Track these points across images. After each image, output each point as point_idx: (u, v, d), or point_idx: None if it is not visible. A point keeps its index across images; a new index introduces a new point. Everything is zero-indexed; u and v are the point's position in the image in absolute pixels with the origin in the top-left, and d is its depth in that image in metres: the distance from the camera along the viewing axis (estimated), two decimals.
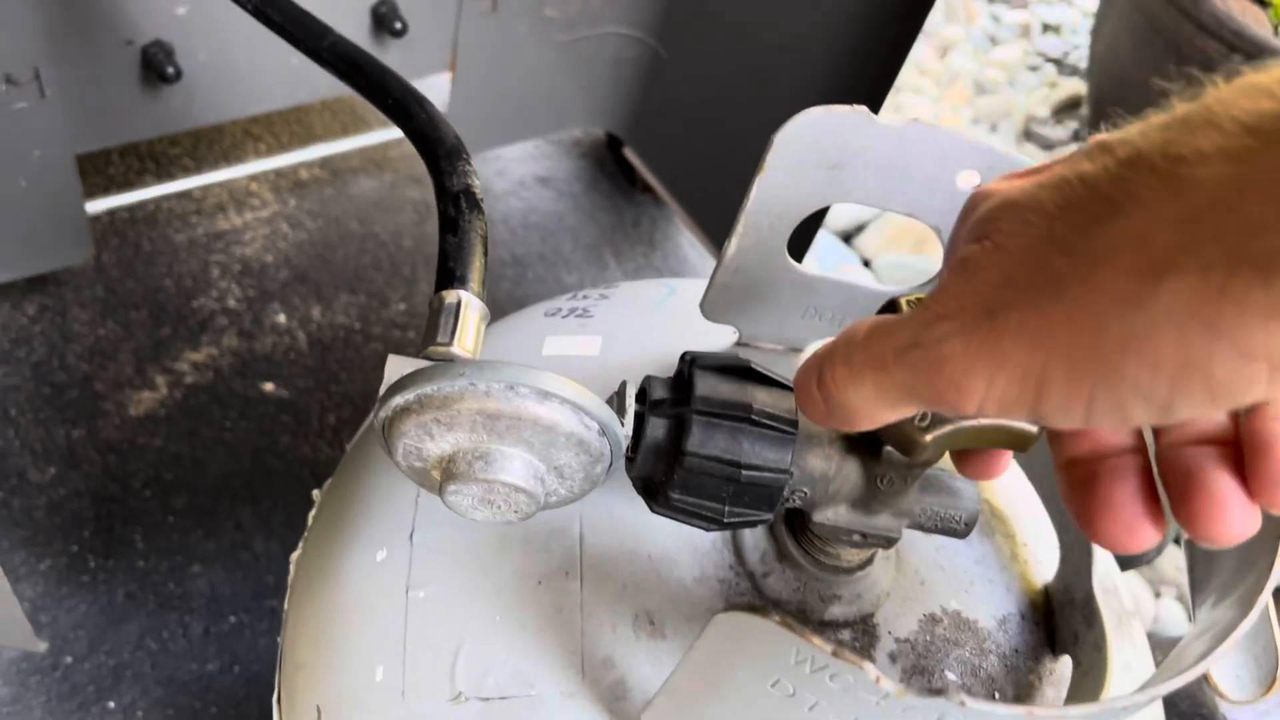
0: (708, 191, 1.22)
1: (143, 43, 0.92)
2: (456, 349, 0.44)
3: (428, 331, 0.45)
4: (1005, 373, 0.29)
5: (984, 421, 0.40)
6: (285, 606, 0.57)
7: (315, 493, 0.61)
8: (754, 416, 0.43)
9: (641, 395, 0.46)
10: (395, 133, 1.08)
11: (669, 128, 1.27)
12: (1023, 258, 0.29)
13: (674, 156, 1.28)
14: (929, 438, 0.40)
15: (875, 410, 0.35)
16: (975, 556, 0.55)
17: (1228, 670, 0.44)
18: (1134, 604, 0.56)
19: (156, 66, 0.91)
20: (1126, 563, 0.97)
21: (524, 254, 1.36)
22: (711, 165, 1.21)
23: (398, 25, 1.01)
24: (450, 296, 0.46)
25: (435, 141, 0.54)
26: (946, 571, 0.54)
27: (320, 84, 1.03)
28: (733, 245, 0.54)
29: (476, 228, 0.49)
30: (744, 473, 0.43)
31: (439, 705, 0.47)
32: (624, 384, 0.46)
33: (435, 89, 1.20)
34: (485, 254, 0.49)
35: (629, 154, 1.35)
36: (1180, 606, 1.29)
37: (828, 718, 0.35)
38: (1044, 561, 0.57)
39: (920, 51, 2.03)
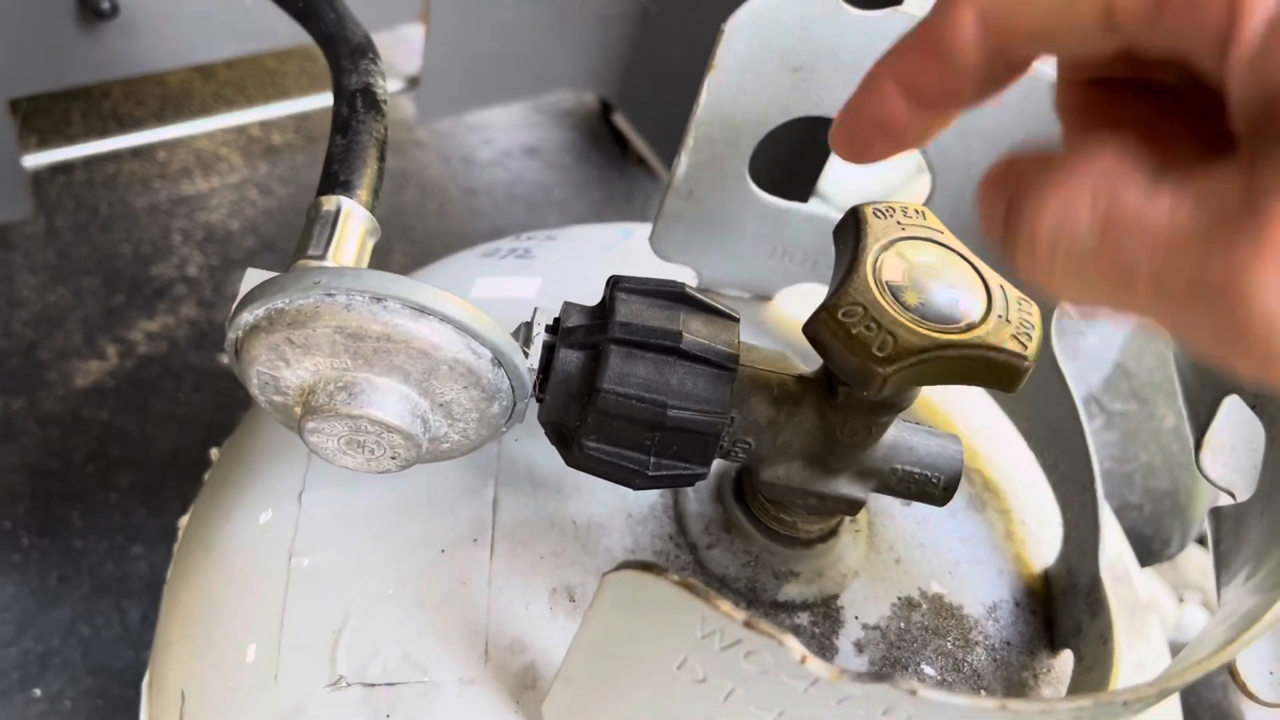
0: None
1: None
2: (329, 263, 0.37)
3: (299, 243, 0.38)
4: None
5: (966, 352, 0.32)
6: (167, 575, 0.50)
7: (213, 451, 0.53)
8: (684, 347, 0.35)
9: (555, 325, 0.38)
10: None
11: (661, 92, 1.19)
12: None
13: (666, 123, 1.21)
14: (890, 369, 0.32)
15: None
16: (962, 534, 0.48)
17: (1258, 666, 0.36)
18: (1150, 597, 0.48)
19: (91, 2, 0.83)
20: (1145, 559, 0.89)
21: (507, 226, 1.28)
22: None
23: None
24: (329, 203, 0.38)
25: (339, 40, 0.46)
26: (927, 550, 0.46)
27: (275, 31, 0.96)
28: (683, 162, 0.46)
29: (372, 130, 0.41)
30: (670, 414, 0.35)
31: (315, 691, 0.40)
32: (535, 310, 0.39)
33: (406, 42, 1.13)
34: (381, 160, 0.41)
35: (619, 120, 1.27)
36: (1206, 613, 1.20)
37: (748, 710, 0.28)
38: (1044, 542, 0.49)
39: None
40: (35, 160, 1.02)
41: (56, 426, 1.02)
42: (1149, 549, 0.87)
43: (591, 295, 0.53)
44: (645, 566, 0.26)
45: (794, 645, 0.24)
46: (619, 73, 1.20)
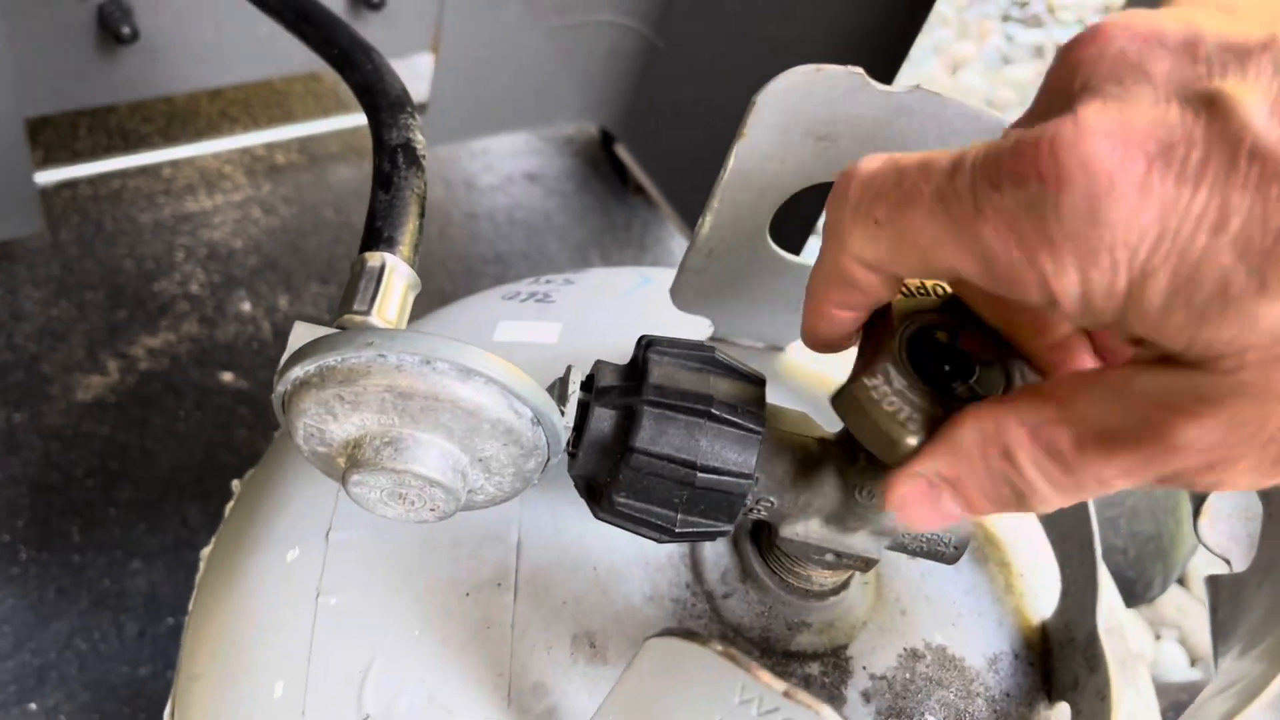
0: (701, 193, 1.16)
1: (98, 0, 0.86)
2: (375, 319, 0.38)
3: (344, 297, 0.39)
4: None
5: None
6: (190, 607, 0.51)
7: (235, 483, 0.55)
8: (715, 411, 0.37)
9: (589, 383, 0.40)
10: None
11: (663, 125, 1.21)
12: None
13: (667, 155, 1.23)
14: (916, 443, 0.34)
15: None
16: (965, 586, 0.49)
17: None
18: (1138, 646, 0.50)
19: (112, 26, 0.85)
20: (1127, 601, 0.91)
21: (507, 251, 1.30)
22: (706, 166, 1.15)
23: None
24: (374, 259, 0.40)
25: (379, 93, 0.48)
26: (932, 601, 0.48)
27: (291, 57, 0.97)
28: (707, 223, 0.48)
29: (413, 186, 0.43)
30: (699, 475, 0.37)
31: None
32: (569, 368, 0.40)
33: (416, 70, 1.14)
34: (421, 215, 0.43)
35: (620, 151, 1.29)
36: (1182, 650, 1.22)
37: None
38: (1042, 595, 0.51)
39: (931, 67, 1.98)
40: (46, 177, 1.03)
41: (58, 440, 1.03)
42: (1132, 591, 0.89)
43: (611, 340, 0.55)
44: (688, 634, 0.27)
45: (830, 715, 0.26)
46: (622, 105, 1.22)
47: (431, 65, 1.08)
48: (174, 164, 1.25)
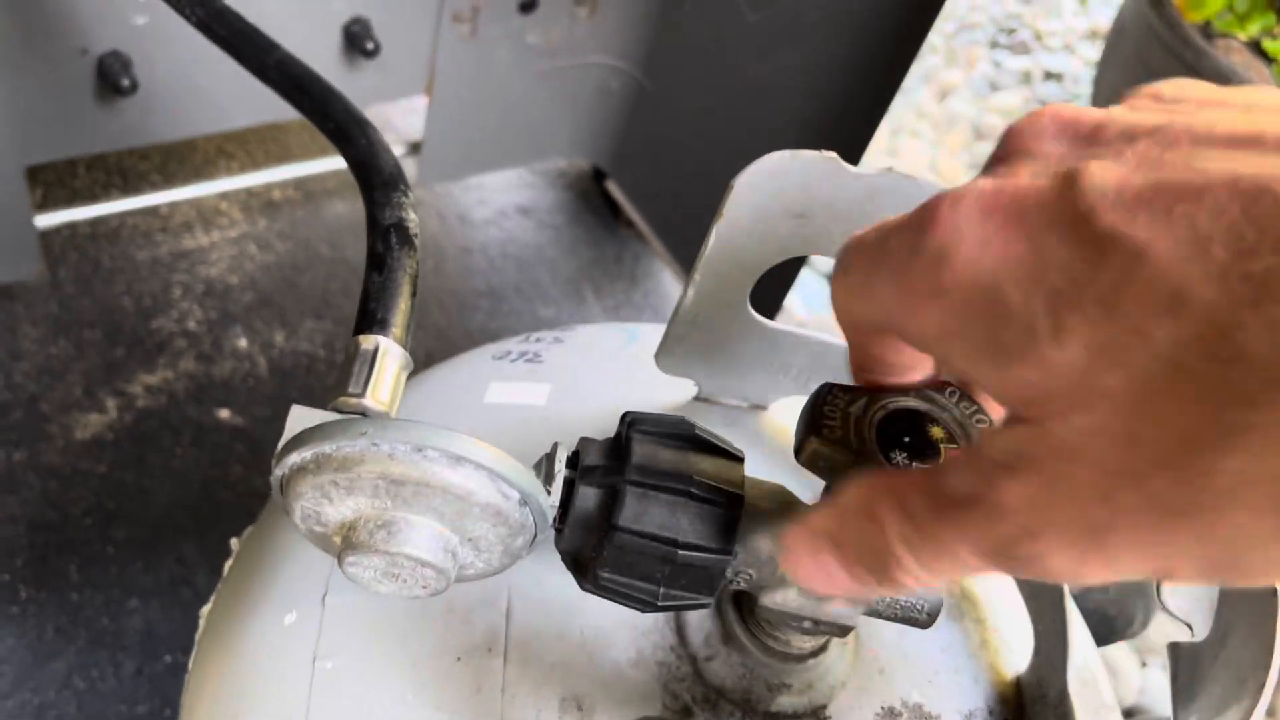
0: (689, 228, 1.18)
1: (98, 52, 0.88)
2: (369, 401, 0.40)
3: (338, 379, 0.41)
4: (1117, 570, 0.25)
5: None
6: (189, 665, 0.52)
7: (233, 541, 0.56)
8: (694, 490, 0.39)
9: (574, 460, 0.41)
10: None
11: (652, 162, 1.23)
12: (1123, 477, 0.23)
13: (656, 191, 1.25)
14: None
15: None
16: (941, 643, 0.51)
17: None
18: (1113, 698, 0.51)
19: (112, 78, 0.86)
20: (1108, 636, 0.92)
21: (500, 285, 1.32)
22: (694, 202, 1.17)
23: (370, 45, 0.97)
24: (367, 343, 0.41)
25: (372, 170, 0.50)
26: (909, 660, 0.50)
27: (286, 104, 0.99)
28: (689, 295, 0.49)
29: (405, 267, 0.44)
30: (680, 553, 0.38)
31: None
32: (555, 446, 0.42)
33: (411, 113, 1.16)
34: (413, 295, 0.44)
35: (611, 187, 1.31)
36: (1167, 677, 1.24)
37: None
38: (1016, 649, 0.53)
39: (919, 95, 2.00)
40: (46, 220, 1.04)
41: (56, 479, 1.04)
42: (1113, 628, 0.90)
43: (598, 401, 0.57)
44: None
45: None
46: (613, 143, 1.24)
47: (425, 108, 1.09)
48: (171, 202, 1.27)
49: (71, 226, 1.22)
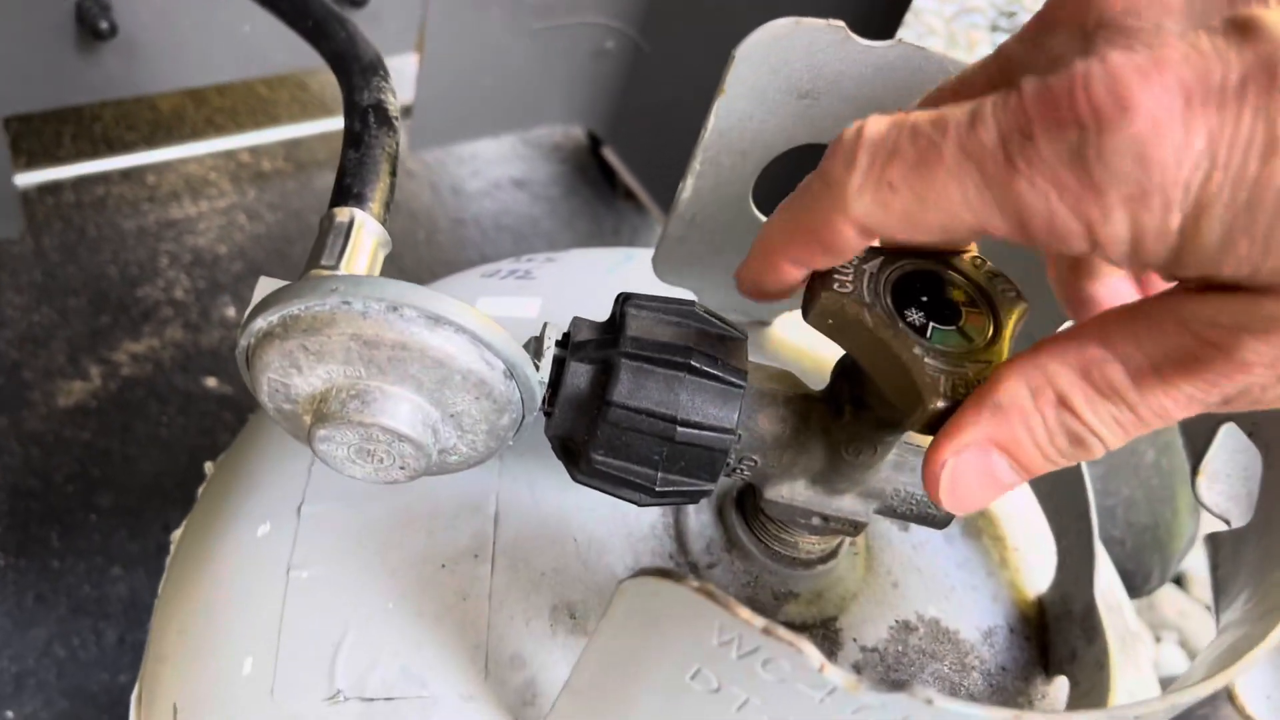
0: None
1: None
2: (342, 273, 0.37)
3: (312, 253, 0.38)
4: None
5: None
6: (159, 590, 0.49)
7: (208, 465, 0.53)
8: (694, 363, 0.36)
9: (565, 340, 0.38)
10: None
11: (650, 127, 1.20)
12: None
13: (655, 158, 1.22)
14: (943, 404, 0.31)
15: None
16: (958, 559, 0.48)
17: (1257, 690, 0.36)
18: (1139, 627, 0.49)
19: (90, 21, 0.84)
20: (1127, 592, 0.89)
21: (494, 256, 1.29)
22: None
23: None
24: (342, 215, 0.39)
25: (351, 58, 0.47)
26: (924, 574, 0.47)
27: (273, 56, 0.96)
28: (688, 186, 0.46)
29: (384, 144, 0.42)
30: (680, 430, 0.35)
31: (312, 705, 0.40)
32: (545, 325, 0.39)
33: (401, 71, 1.13)
34: (393, 174, 0.41)
35: (608, 154, 1.28)
36: (1182, 653, 1.21)
37: None
38: (1037, 569, 0.50)
39: None
40: (26, 179, 1.02)
41: (38, 446, 1.01)
42: (1130, 583, 0.87)
43: (591, 313, 0.54)
44: (664, 573, 0.26)
45: (812, 652, 0.25)
46: (609, 107, 1.21)
47: (416, 66, 1.07)
48: (158, 171, 1.24)
49: (56, 195, 1.19)
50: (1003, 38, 1.95)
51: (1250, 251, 0.24)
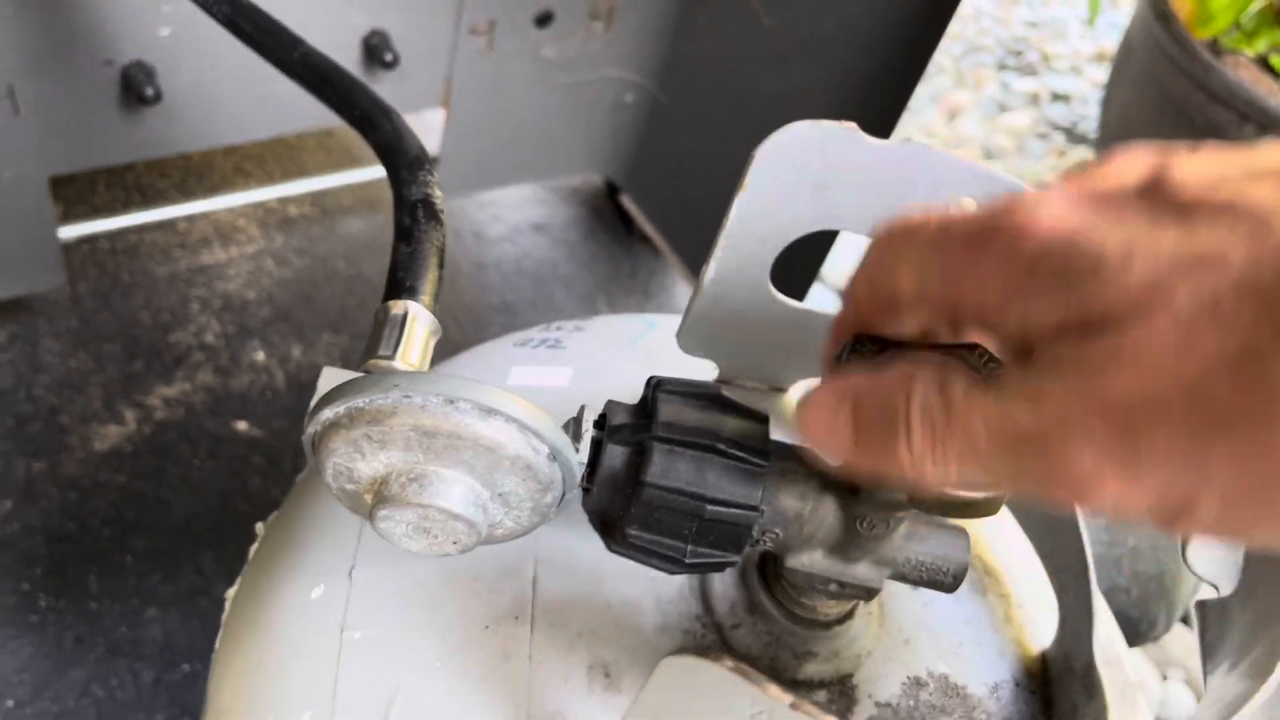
0: (704, 241, 1.18)
1: (123, 62, 0.89)
2: (399, 363, 0.40)
3: (370, 344, 0.42)
4: (1143, 490, 0.25)
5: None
6: (215, 647, 0.53)
7: (259, 526, 0.56)
8: (721, 446, 0.39)
9: (602, 421, 0.42)
10: None
11: (667, 176, 1.24)
12: (1174, 378, 0.24)
13: (672, 205, 1.25)
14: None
15: (947, 486, 0.31)
16: (965, 616, 0.51)
17: None
18: (1138, 677, 0.51)
19: (136, 88, 0.88)
20: (1131, 639, 0.92)
21: (515, 301, 1.32)
22: (709, 215, 1.17)
23: (389, 57, 0.99)
24: (397, 308, 0.42)
25: (398, 151, 0.51)
26: (934, 631, 0.50)
27: (306, 114, 1.00)
28: (711, 270, 0.50)
29: (432, 238, 0.45)
30: (709, 508, 0.39)
31: None
32: (583, 408, 0.42)
33: (428, 125, 1.17)
34: (441, 266, 0.45)
35: (626, 201, 1.32)
36: (1189, 691, 1.23)
37: None
38: (1041, 625, 0.52)
39: (929, 116, 2.02)
40: (67, 233, 1.06)
41: (75, 490, 1.05)
42: (1136, 630, 0.90)
43: (620, 383, 0.57)
44: (702, 653, 0.29)
45: None
46: (627, 157, 1.25)
47: (443, 120, 1.11)
48: (189, 218, 1.28)
49: (92, 243, 1.23)
50: (1010, 76, 1.97)
51: None
